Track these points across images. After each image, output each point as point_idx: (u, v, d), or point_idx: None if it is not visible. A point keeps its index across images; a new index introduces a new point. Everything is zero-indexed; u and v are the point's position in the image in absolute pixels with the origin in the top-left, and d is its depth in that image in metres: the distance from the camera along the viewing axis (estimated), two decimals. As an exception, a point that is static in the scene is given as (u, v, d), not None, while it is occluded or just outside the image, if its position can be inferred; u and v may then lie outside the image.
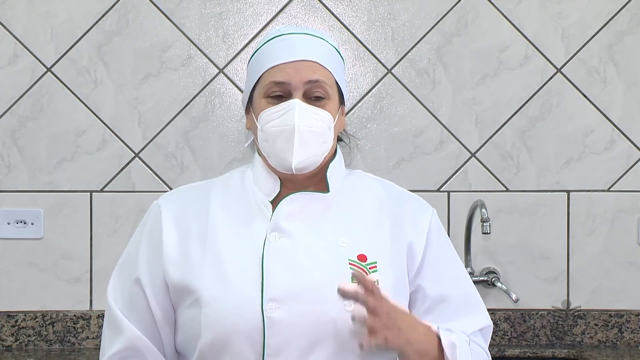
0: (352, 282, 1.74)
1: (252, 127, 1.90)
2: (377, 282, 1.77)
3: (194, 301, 1.78)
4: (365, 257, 1.81)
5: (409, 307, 1.86)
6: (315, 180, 1.88)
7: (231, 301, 1.75)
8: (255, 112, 1.86)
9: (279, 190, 1.86)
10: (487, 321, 1.91)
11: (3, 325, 2.87)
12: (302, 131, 1.79)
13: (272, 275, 1.76)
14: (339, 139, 1.96)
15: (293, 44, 1.85)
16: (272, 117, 1.82)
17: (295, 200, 1.84)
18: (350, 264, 1.79)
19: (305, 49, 1.85)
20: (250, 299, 1.75)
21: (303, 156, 1.81)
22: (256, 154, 1.92)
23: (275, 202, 1.85)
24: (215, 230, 1.83)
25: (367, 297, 1.63)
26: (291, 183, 1.87)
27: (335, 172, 1.89)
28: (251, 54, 1.92)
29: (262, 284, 1.76)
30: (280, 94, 1.83)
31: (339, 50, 1.92)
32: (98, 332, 2.87)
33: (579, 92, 2.96)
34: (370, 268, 1.80)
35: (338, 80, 1.88)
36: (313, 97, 1.83)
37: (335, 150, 1.92)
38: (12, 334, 2.87)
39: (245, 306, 1.75)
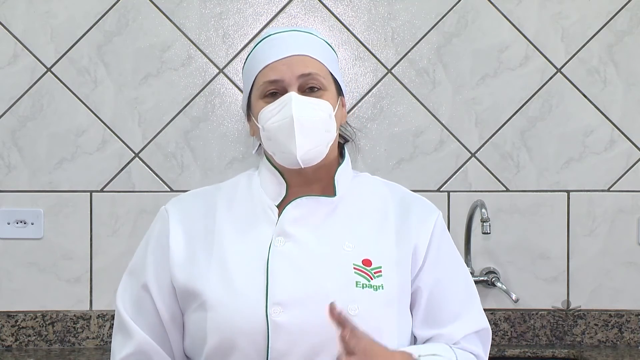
0: (356, 287, 1.76)
1: (255, 132, 1.90)
2: (382, 286, 1.78)
3: (199, 305, 1.79)
4: (370, 262, 1.81)
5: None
6: (323, 184, 1.88)
7: (236, 305, 1.76)
8: (255, 114, 1.86)
9: (285, 194, 1.86)
10: (483, 324, 1.90)
11: (3, 325, 2.87)
12: (301, 121, 1.78)
13: (277, 279, 1.76)
14: (345, 140, 1.96)
15: (282, 42, 1.85)
16: (271, 114, 1.81)
17: (301, 205, 1.83)
18: (355, 268, 1.79)
19: (294, 44, 1.85)
20: (254, 303, 1.75)
21: (307, 147, 1.80)
22: (263, 158, 1.91)
23: (281, 206, 1.85)
24: (222, 233, 1.83)
25: (346, 336, 1.61)
26: (298, 187, 1.86)
27: (343, 176, 1.89)
28: (243, 61, 1.93)
29: (267, 288, 1.76)
30: (276, 92, 1.82)
31: (329, 43, 1.92)
32: (98, 332, 2.87)
33: (579, 92, 2.96)
34: (375, 273, 1.80)
35: (332, 71, 1.87)
36: (308, 89, 1.82)
37: (344, 153, 1.92)
38: (12, 334, 2.87)
39: (249, 310, 1.75)
